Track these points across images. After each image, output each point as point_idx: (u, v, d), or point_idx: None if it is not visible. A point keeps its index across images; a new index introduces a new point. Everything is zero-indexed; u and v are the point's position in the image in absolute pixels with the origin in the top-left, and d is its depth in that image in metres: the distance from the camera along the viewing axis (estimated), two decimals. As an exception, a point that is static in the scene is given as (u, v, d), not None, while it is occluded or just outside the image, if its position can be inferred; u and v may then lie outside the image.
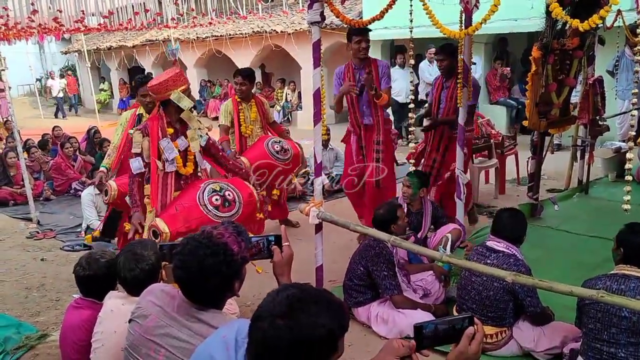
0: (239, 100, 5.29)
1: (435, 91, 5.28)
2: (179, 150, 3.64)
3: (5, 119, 13.49)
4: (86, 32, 13.50)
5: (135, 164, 3.59)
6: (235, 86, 5.34)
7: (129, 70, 19.67)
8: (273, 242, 2.08)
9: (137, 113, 4.64)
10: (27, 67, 18.85)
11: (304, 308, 1.31)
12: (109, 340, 2.24)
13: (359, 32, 4.79)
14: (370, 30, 4.74)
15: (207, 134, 3.80)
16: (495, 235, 3.29)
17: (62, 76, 19.58)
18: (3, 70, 7.04)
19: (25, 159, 7.44)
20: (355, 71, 4.92)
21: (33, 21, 10.09)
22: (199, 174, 3.88)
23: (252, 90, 5.50)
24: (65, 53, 22.01)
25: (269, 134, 5.46)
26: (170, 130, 3.62)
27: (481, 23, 3.13)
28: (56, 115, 18.86)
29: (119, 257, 2.50)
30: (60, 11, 9.93)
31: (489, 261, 3.14)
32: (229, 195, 3.60)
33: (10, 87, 8.48)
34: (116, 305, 2.35)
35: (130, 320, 1.90)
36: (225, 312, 1.88)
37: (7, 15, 9.11)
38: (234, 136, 5.29)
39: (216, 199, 3.52)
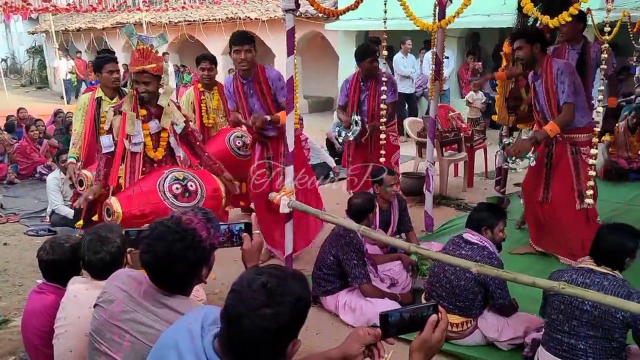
0: (202, 89, 5.06)
1: (353, 92, 5.01)
2: (150, 134, 3.60)
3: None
4: (54, 13, 13.14)
5: (106, 142, 3.56)
6: (202, 72, 5.05)
7: (98, 53, 19.20)
8: (243, 230, 2.08)
9: (95, 97, 4.48)
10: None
11: (282, 290, 1.35)
12: (73, 326, 2.20)
13: (238, 41, 4.10)
14: (253, 40, 4.18)
15: (184, 122, 3.74)
16: (470, 227, 3.36)
17: (68, 56, 17.61)
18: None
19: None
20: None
21: (-2, -1, 9.78)
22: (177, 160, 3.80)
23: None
24: (33, 33, 21.38)
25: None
26: (143, 112, 3.59)
27: (454, 16, 3.17)
28: (64, 99, 16.81)
29: (83, 240, 2.45)
30: (28, -11, 9.65)
31: (463, 252, 3.21)
32: (191, 186, 3.54)
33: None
34: (79, 291, 2.31)
35: (95, 305, 1.87)
36: (192, 298, 1.86)
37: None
38: (195, 127, 5.00)
39: (177, 188, 3.47)
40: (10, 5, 11.06)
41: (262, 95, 4.25)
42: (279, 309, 1.32)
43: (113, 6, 11.50)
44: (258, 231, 2.11)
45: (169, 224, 1.77)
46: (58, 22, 18.69)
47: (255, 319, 1.31)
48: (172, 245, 1.73)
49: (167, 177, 3.50)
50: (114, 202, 3.32)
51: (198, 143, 3.91)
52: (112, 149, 3.56)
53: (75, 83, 17.33)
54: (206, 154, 3.94)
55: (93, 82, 18.58)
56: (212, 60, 5.07)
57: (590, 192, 3.84)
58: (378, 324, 1.61)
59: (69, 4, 11.36)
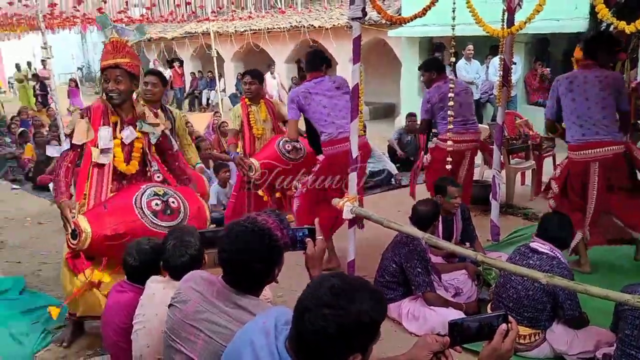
0: (248, 102, 5.13)
1: None
2: (122, 144, 3.24)
3: (47, 106, 13.94)
4: (128, 23, 13.77)
5: (54, 150, 3.27)
6: (244, 86, 5.19)
7: (167, 62, 20.00)
8: (306, 235, 2.12)
9: None
10: (69, 56, 19.33)
11: (349, 297, 1.35)
12: (150, 323, 2.31)
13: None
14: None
15: (162, 131, 3.43)
16: (540, 237, 3.28)
17: (171, 66, 17.88)
18: (49, 58, 7.26)
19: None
20: None
21: (78, 10, 10.33)
22: (155, 176, 3.40)
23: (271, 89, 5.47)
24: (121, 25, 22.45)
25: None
26: (114, 118, 3.23)
27: (525, 22, 3.10)
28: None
29: (167, 244, 2.54)
30: (105, 2, 10.15)
31: (531, 262, 3.14)
32: (172, 202, 3.13)
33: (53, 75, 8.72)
34: (158, 290, 2.42)
35: (170, 305, 1.96)
36: (262, 299, 1.93)
37: (55, 5, 9.35)
38: (244, 139, 5.13)
39: (156, 204, 3.06)
40: (88, 17, 11.67)
41: None
42: (340, 314, 1.33)
43: (183, 16, 11.90)
44: (321, 237, 2.15)
45: (245, 224, 1.83)
46: (130, 32, 19.59)
47: (314, 316, 1.33)
48: (250, 245, 1.79)
49: (144, 192, 3.10)
50: (81, 221, 2.91)
51: (171, 152, 3.55)
52: (65, 149, 3.23)
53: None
54: (177, 162, 3.61)
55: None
56: (254, 75, 5.14)
57: None
58: (442, 333, 1.61)
59: (142, 15, 11.87)
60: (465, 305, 3.64)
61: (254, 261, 1.80)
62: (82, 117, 3.20)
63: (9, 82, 23.19)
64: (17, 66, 18.34)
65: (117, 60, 3.13)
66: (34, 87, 16.04)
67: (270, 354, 1.42)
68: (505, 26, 4.31)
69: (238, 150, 5.11)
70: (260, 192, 4.93)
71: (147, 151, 3.35)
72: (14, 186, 8.23)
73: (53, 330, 3.62)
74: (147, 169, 3.37)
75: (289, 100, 4.53)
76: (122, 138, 3.23)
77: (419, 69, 5.37)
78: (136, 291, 2.65)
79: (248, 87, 5.10)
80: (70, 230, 2.96)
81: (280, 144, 4.87)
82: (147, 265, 2.68)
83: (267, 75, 13.51)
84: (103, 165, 3.19)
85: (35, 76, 16.25)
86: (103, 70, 3.21)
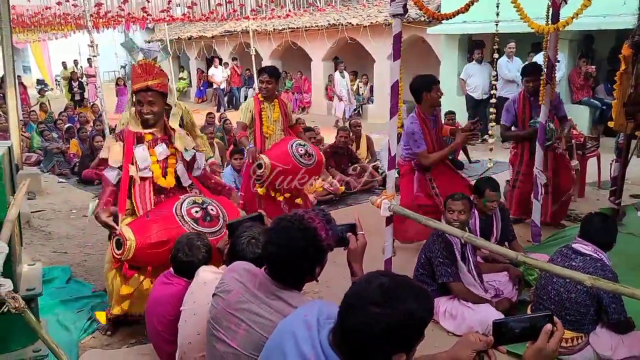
0: (262, 99, 5.06)
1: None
2: (157, 160, 3.35)
3: (92, 103, 14.35)
4: (170, 22, 14.06)
5: (110, 173, 3.32)
6: (261, 84, 5.09)
7: (207, 60, 20.29)
8: (348, 230, 2.13)
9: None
10: (113, 55, 19.84)
11: (397, 296, 1.35)
12: (202, 307, 2.32)
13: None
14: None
15: (194, 148, 3.56)
16: (583, 238, 3.21)
17: (225, 64, 17.78)
18: (95, 56, 7.49)
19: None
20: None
21: (123, 10, 10.61)
22: (192, 192, 3.51)
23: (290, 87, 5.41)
24: (149, 42, 22.98)
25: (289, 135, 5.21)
26: (149, 136, 3.35)
27: (572, 18, 3.03)
28: (218, 109, 16.63)
29: (240, 241, 2.51)
30: (149, 1, 10.39)
31: (573, 263, 3.08)
32: (211, 210, 3.22)
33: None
34: (209, 279, 2.47)
35: (214, 295, 2.00)
36: (303, 292, 1.95)
37: (101, 4, 9.63)
38: (254, 136, 5.06)
39: (196, 211, 3.15)
40: (132, 16, 11.96)
41: None
42: (387, 312, 1.33)
43: (223, 15, 12.08)
44: (363, 232, 2.15)
45: (292, 220, 1.86)
46: (172, 31, 19.97)
47: (361, 313, 1.34)
48: (295, 240, 1.82)
49: (184, 200, 3.20)
50: (125, 231, 2.99)
51: (202, 172, 3.66)
52: (119, 176, 3.32)
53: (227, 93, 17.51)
54: (213, 180, 3.73)
55: (201, 88, 19.70)
56: (271, 73, 5.06)
57: None
58: (480, 332, 1.60)
59: (184, 14, 12.10)
60: (495, 303, 3.60)
61: (296, 257, 1.83)
62: (116, 141, 3.33)
63: (55, 80, 23.95)
64: (64, 64, 18.93)
65: (148, 82, 3.22)
66: (70, 85, 16.51)
67: (313, 347, 1.43)
68: (549, 22, 4.21)
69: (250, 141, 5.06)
70: (271, 192, 4.86)
71: (183, 167, 3.45)
72: (60, 180, 8.50)
73: (98, 318, 3.74)
74: (183, 185, 3.48)
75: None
76: (155, 154, 3.34)
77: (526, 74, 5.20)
78: (183, 284, 2.71)
79: (265, 86, 5.02)
80: (115, 240, 3.04)
81: (293, 146, 4.77)
82: (200, 263, 2.74)
83: (336, 74, 13.34)
84: (144, 180, 3.31)
85: (73, 74, 16.72)
86: (135, 92, 3.31)
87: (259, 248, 2.46)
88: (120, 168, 3.31)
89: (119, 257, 3.03)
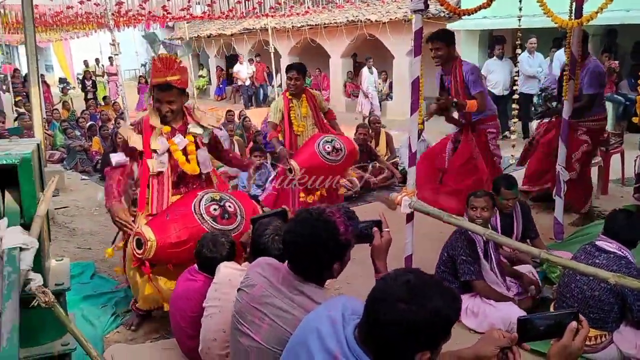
0: (290, 97, 5.03)
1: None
2: (178, 149, 3.38)
3: (113, 101, 14.54)
4: (189, 20, 14.16)
5: (116, 157, 3.35)
6: (289, 81, 5.03)
7: (226, 58, 20.40)
8: (372, 227, 2.13)
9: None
10: (133, 53, 20.05)
11: (424, 293, 1.35)
12: (228, 306, 2.34)
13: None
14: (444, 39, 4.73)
15: (212, 129, 3.56)
16: (607, 235, 3.17)
17: (250, 61, 17.71)
18: (117, 55, 7.58)
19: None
20: (443, 77, 4.85)
21: (143, 8, 10.72)
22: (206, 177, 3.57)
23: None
24: (169, 40, 23.19)
25: (321, 129, 5.16)
26: (167, 129, 3.36)
27: (597, 12, 2.99)
28: (246, 105, 16.79)
29: (264, 239, 2.51)
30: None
31: (597, 261, 3.04)
32: (229, 206, 3.23)
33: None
34: (233, 275, 2.50)
35: (238, 289, 2.03)
36: (326, 288, 1.96)
37: (122, 3, 9.74)
38: (284, 136, 5.05)
39: (214, 209, 3.16)
40: (152, 15, 12.08)
41: (455, 84, 4.67)
42: (414, 309, 1.33)
43: (242, 13, 12.14)
44: (388, 229, 2.16)
45: (312, 213, 1.88)
46: (191, 29, 20.12)
47: (389, 309, 1.34)
48: (314, 232, 1.83)
49: (202, 198, 3.20)
50: (145, 231, 3.00)
51: (222, 148, 3.77)
52: (123, 162, 3.35)
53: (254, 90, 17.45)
54: (231, 154, 3.79)
55: (221, 85, 19.79)
56: (299, 69, 5.04)
57: None
58: (503, 329, 1.59)
59: (203, 12, 12.19)
60: (518, 301, 3.57)
61: (316, 249, 1.84)
62: (136, 132, 3.36)
63: (77, 78, 24.30)
64: (86, 63, 19.19)
65: (168, 78, 3.20)
66: (83, 84, 16.72)
67: (338, 342, 1.44)
68: (573, 17, 4.16)
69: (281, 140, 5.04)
70: (301, 194, 4.85)
71: (204, 152, 3.48)
72: (83, 177, 8.64)
73: (122, 313, 3.80)
74: (203, 172, 3.50)
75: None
76: (174, 144, 3.35)
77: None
78: (206, 281, 2.74)
79: (293, 83, 4.98)
80: (135, 240, 3.06)
81: (320, 145, 4.73)
82: (224, 259, 2.77)
83: (364, 70, 13.27)
84: (161, 174, 3.33)
85: (87, 73, 16.94)
86: (154, 87, 3.31)
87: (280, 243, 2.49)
88: (131, 155, 3.33)
89: (140, 256, 3.06)
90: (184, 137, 3.38)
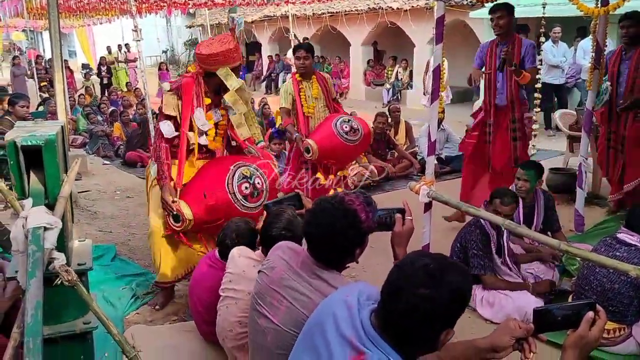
0: (299, 78, 4.87)
1: (613, 65, 4.81)
2: (214, 123, 3.49)
3: (135, 88, 14.65)
4: (210, 7, 14.18)
5: (166, 128, 3.34)
6: (297, 61, 4.84)
7: (246, 45, 20.41)
8: (395, 214, 2.13)
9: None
10: (155, 40, 20.15)
11: (443, 275, 1.37)
12: (245, 298, 2.39)
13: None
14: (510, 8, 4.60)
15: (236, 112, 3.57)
16: (629, 228, 3.13)
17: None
18: (139, 40, 7.60)
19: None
20: (497, 47, 4.70)
21: (166, -5, 10.78)
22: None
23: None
24: (190, 27, 23.27)
25: (332, 112, 4.98)
26: (208, 101, 3.45)
27: (623, 0, 2.93)
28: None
29: (274, 231, 2.45)
30: (191, -14, 10.51)
31: (617, 254, 3.01)
32: (258, 183, 3.40)
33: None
34: (248, 267, 2.52)
35: (259, 272, 2.05)
36: (343, 275, 1.97)
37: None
38: (297, 119, 4.86)
39: (246, 187, 3.32)
40: (174, 1, 12.13)
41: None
42: (436, 293, 1.35)
43: (263, 0, 12.14)
44: (411, 217, 2.15)
45: (332, 202, 1.88)
46: (212, 16, 20.14)
47: (411, 296, 1.35)
48: (335, 221, 1.84)
49: (234, 174, 3.32)
50: (183, 207, 3.18)
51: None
52: (174, 134, 3.38)
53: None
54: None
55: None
56: (308, 49, 4.89)
57: None
58: (518, 319, 1.59)
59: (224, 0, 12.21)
60: (531, 285, 3.55)
61: (335, 237, 1.84)
62: (177, 99, 3.39)
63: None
64: (108, 49, 19.36)
65: (230, 65, 3.37)
66: (99, 70, 16.89)
67: (353, 327, 1.45)
68: (599, 5, 4.08)
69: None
70: (318, 174, 4.79)
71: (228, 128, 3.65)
72: (105, 162, 8.77)
73: (142, 295, 3.87)
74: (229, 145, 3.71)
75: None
76: (211, 118, 3.50)
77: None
78: (225, 268, 2.76)
79: (302, 62, 4.79)
80: (172, 214, 3.24)
81: (338, 124, 4.61)
82: (244, 245, 2.77)
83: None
84: (202, 145, 3.48)
85: (102, 59, 17.12)
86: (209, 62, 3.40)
87: (292, 240, 2.48)
88: (174, 121, 3.39)
89: (176, 228, 3.29)
90: (219, 112, 3.52)
